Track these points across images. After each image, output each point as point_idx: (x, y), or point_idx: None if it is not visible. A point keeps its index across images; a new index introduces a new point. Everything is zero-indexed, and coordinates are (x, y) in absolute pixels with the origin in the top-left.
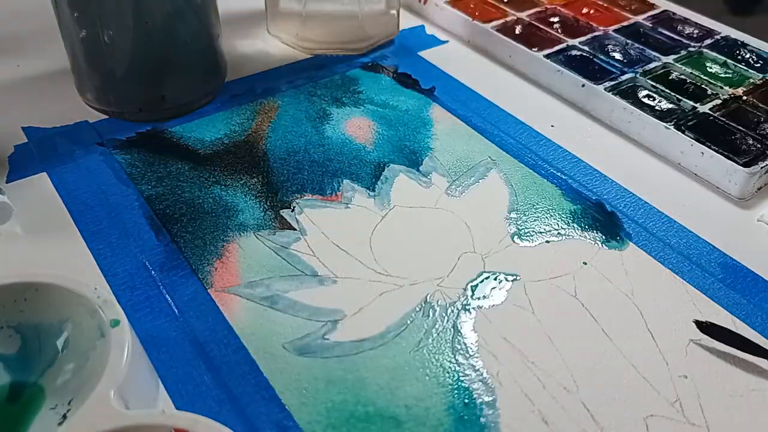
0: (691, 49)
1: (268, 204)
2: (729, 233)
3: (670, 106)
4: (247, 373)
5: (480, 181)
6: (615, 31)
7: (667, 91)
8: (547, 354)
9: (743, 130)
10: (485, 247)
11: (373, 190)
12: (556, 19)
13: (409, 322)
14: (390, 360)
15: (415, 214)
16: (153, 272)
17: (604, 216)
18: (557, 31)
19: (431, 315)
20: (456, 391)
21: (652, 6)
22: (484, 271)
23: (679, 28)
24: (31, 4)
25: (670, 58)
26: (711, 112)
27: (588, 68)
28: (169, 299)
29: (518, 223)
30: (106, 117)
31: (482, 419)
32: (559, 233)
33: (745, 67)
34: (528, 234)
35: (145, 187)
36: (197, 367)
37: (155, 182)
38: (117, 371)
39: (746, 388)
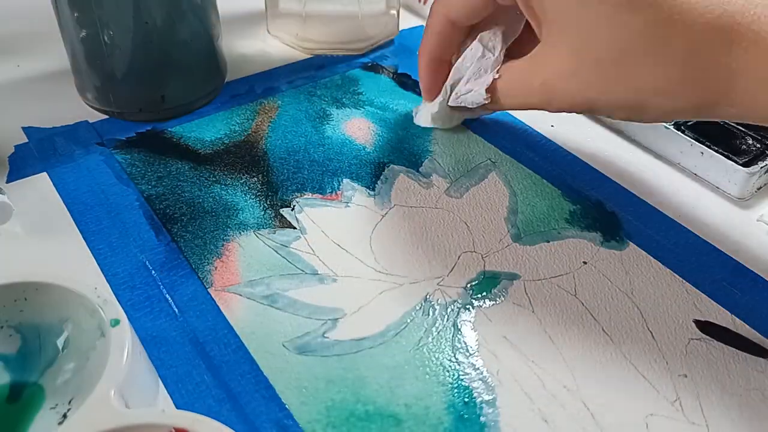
0: None
1: (268, 203)
2: (729, 233)
3: None
4: (246, 372)
5: (480, 182)
6: None
7: None
8: (547, 353)
9: (743, 129)
10: (485, 247)
11: (373, 190)
12: None
13: (409, 320)
14: (390, 359)
15: (416, 214)
16: (153, 272)
17: (604, 216)
18: None
19: (431, 314)
20: (456, 390)
21: None
22: (485, 271)
23: None
24: (31, 4)
25: None
26: None
27: None
28: (169, 299)
29: (518, 223)
30: (106, 117)
31: (482, 418)
32: (559, 233)
33: None
34: (528, 234)
35: (145, 186)
36: (197, 367)
37: (155, 182)
38: (117, 371)
39: (746, 388)
